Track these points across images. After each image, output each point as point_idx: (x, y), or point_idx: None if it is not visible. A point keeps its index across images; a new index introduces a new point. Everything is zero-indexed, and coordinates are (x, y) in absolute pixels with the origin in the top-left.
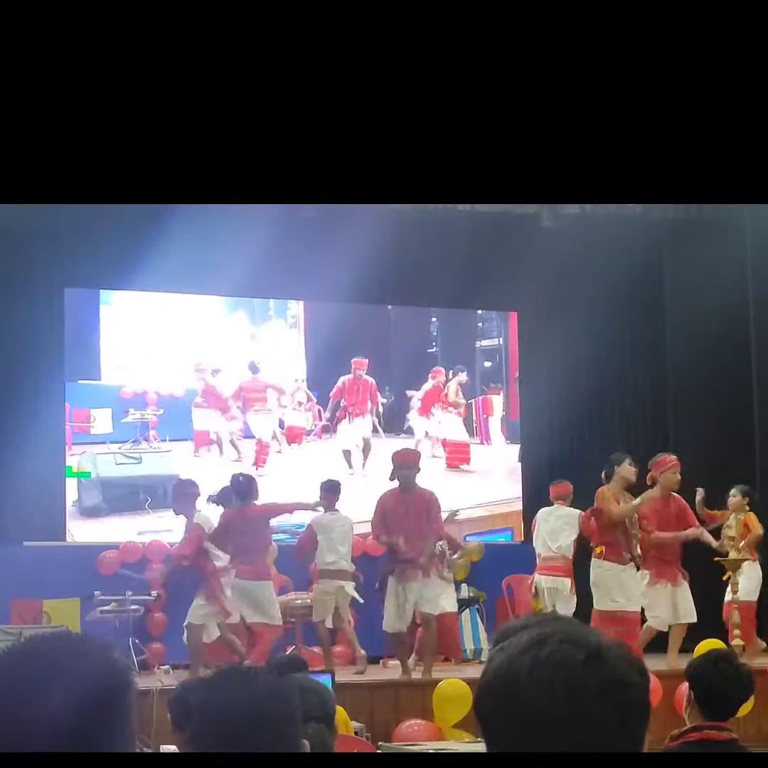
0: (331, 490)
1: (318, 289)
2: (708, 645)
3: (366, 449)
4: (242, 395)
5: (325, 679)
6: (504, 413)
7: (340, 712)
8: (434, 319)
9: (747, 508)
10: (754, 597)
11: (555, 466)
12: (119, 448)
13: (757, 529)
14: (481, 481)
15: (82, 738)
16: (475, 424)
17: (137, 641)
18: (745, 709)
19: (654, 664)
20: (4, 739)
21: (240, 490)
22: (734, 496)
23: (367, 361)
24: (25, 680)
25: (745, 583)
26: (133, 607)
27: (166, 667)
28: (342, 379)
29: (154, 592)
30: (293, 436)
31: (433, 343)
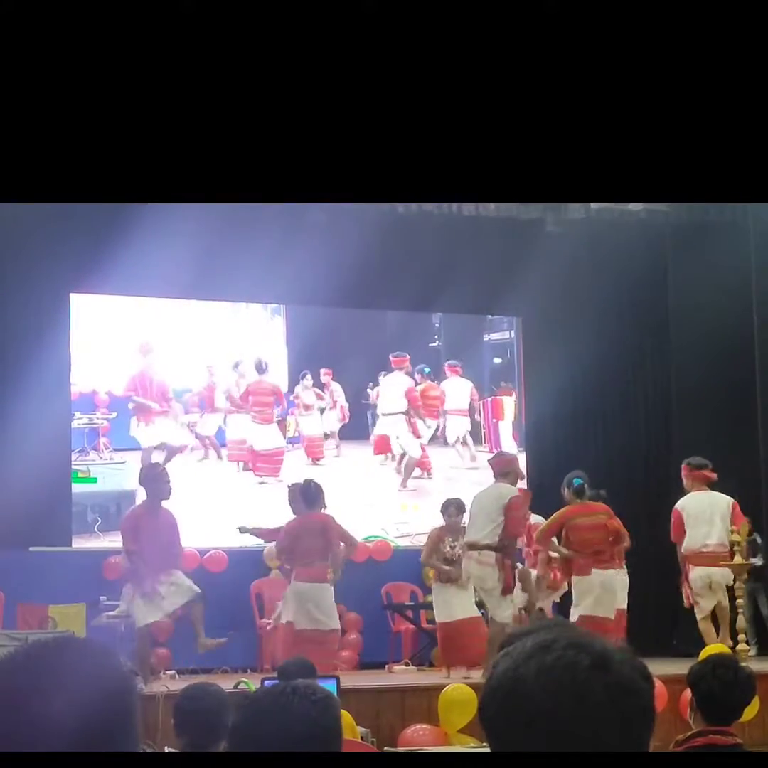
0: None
1: (314, 293)
2: (711, 650)
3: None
4: (249, 398)
5: (329, 684)
6: (515, 417)
7: (346, 717)
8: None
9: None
10: (623, 605)
11: (560, 470)
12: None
13: (626, 536)
14: None
15: (86, 742)
16: (483, 430)
17: None
18: (750, 713)
19: (658, 668)
20: (8, 743)
21: (307, 497)
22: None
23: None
24: (29, 684)
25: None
26: None
27: (172, 672)
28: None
29: None
30: (311, 449)
31: (436, 337)
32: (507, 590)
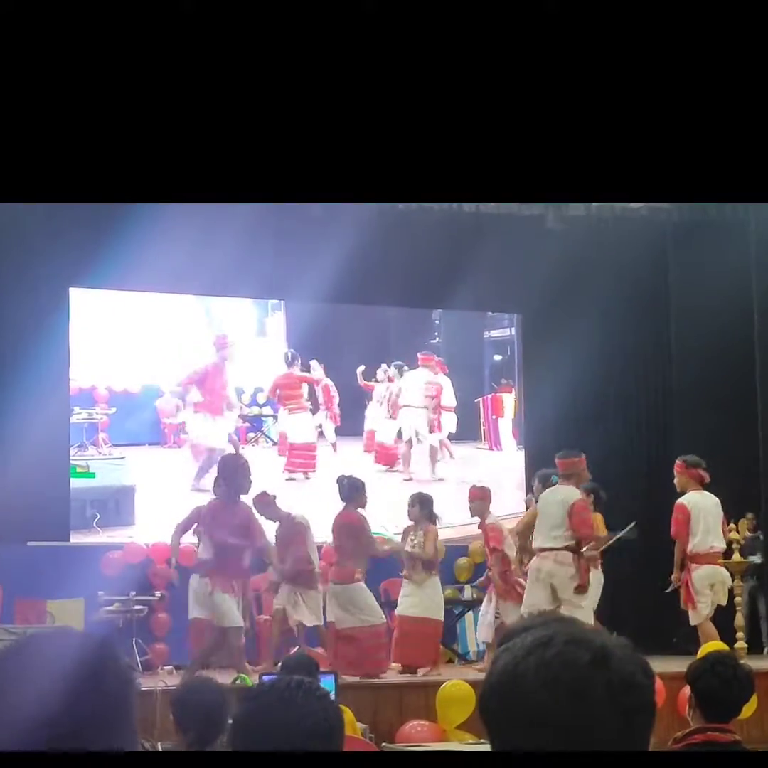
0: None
1: (314, 290)
2: (710, 647)
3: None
4: (277, 392)
5: (328, 681)
6: (515, 414)
7: (346, 713)
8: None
9: (593, 508)
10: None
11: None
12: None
13: (601, 532)
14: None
15: (83, 738)
16: (482, 427)
17: (141, 641)
18: (748, 710)
19: (657, 666)
20: (5, 738)
21: (342, 493)
22: None
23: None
24: (26, 679)
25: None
26: (137, 607)
27: (170, 667)
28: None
29: (157, 593)
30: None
31: (436, 334)
32: (581, 588)
